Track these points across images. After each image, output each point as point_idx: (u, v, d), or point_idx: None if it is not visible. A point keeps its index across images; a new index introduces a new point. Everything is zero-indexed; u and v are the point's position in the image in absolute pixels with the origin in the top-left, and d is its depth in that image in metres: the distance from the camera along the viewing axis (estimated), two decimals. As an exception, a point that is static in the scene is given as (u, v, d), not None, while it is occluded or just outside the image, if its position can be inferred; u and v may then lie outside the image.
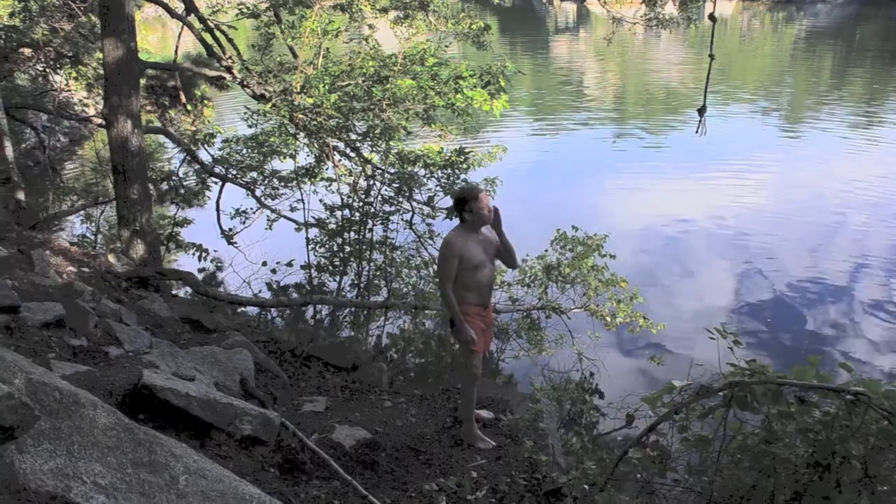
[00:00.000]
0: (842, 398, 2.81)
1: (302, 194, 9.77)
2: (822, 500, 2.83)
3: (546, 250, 8.71)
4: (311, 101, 8.97)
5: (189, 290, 8.73)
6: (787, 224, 12.48)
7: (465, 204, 4.77)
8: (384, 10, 11.47)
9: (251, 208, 10.29)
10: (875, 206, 13.13)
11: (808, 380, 2.94)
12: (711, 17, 6.19)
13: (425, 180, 9.24)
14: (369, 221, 9.05)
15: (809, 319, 9.25)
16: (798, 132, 19.37)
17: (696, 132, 5.91)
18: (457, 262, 4.68)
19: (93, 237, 10.56)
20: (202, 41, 10.33)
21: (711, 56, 6.10)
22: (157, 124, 11.39)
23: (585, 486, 3.67)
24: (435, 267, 9.13)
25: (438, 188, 9.21)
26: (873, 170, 15.10)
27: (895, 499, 2.76)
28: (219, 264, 9.90)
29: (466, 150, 9.46)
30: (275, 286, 9.06)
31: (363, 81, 9.16)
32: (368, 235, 9.07)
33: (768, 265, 10.86)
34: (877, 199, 13.45)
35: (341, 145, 10.12)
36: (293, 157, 10.09)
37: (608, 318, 8.32)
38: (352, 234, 9.07)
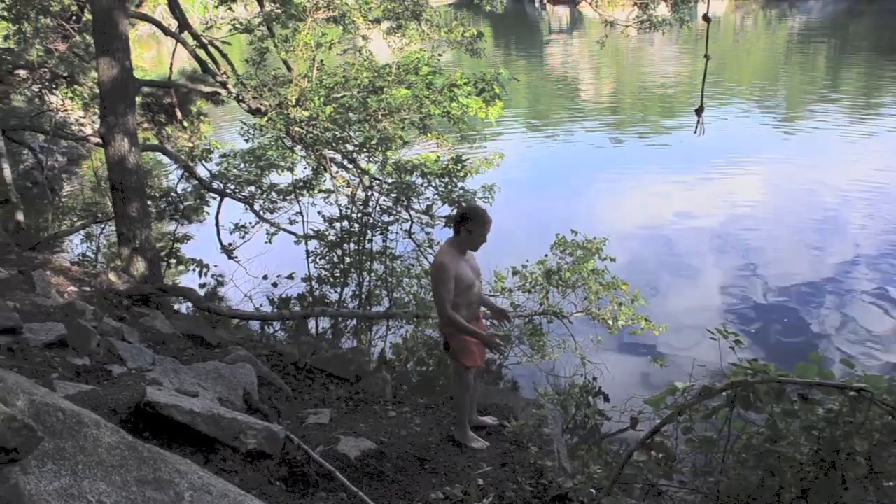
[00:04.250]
0: (845, 395, 2.81)
1: (300, 207, 9.79)
2: (828, 498, 2.83)
3: (546, 255, 8.71)
4: (306, 113, 8.99)
5: (191, 305, 8.73)
6: (784, 221, 12.49)
7: (469, 223, 4.79)
8: (377, 21, 11.49)
9: (250, 222, 10.31)
10: (872, 200, 13.13)
11: (810, 377, 2.94)
12: (706, 17, 6.22)
13: (423, 189, 9.24)
14: (368, 232, 9.05)
15: (809, 317, 9.25)
16: (794, 129, 19.39)
17: (695, 132, 5.93)
18: (453, 284, 4.70)
19: (93, 256, 10.57)
20: (196, 57, 10.36)
21: (707, 57, 6.12)
22: (155, 141, 11.41)
23: (591, 490, 3.67)
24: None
25: (436, 197, 9.22)
26: (869, 164, 15.11)
27: (901, 494, 2.76)
28: (220, 279, 9.91)
29: (463, 158, 9.47)
30: (276, 299, 9.06)
31: (358, 92, 9.18)
32: (368, 246, 9.08)
33: (766, 263, 10.87)
34: (873, 193, 13.45)
35: (338, 157, 10.13)
36: (291, 169, 10.11)
37: (610, 322, 8.30)
38: (351, 244, 9.08)
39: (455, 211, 8.78)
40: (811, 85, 25.86)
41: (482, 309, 5.16)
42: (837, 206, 13.04)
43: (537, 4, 63.20)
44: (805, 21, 45.14)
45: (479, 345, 5.02)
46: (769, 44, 39.21)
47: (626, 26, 12.24)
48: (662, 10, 11.95)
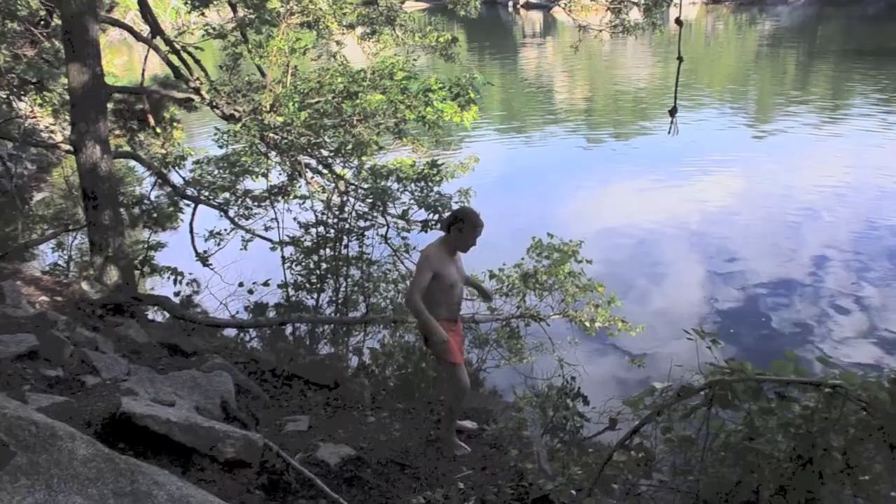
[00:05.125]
0: (820, 391, 2.85)
1: (276, 213, 9.71)
2: (805, 493, 2.86)
3: (522, 258, 8.73)
4: (281, 119, 8.94)
5: (166, 314, 8.63)
6: (756, 222, 12.66)
7: (461, 223, 4.88)
8: (351, 27, 11.47)
9: (225, 229, 10.19)
10: (841, 199, 13.37)
11: (786, 375, 2.97)
12: (678, 21, 6.31)
13: (399, 194, 9.22)
14: (344, 237, 9.01)
15: (783, 315, 9.37)
16: (764, 131, 19.66)
17: (669, 133, 6.03)
18: (430, 275, 4.74)
19: (65, 265, 10.41)
20: (169, 63, 10.25)
21: (680, 58, 6.19)
22: (127, 148, 11.26)
23: (572, 492, 3.68)
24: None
25: (412, 202, 9.20)
26: (838, 164, 15.38)
27: (877, 488, 2.80)
28: (195, 287, 9.79)
29: (439, 163, 9.47)
30: (252, 306, 8.98)
31: (333, 98, 9.15)
32: (344, 251, 9.03)
33: (740, 263, 11.00)
34: (843, 192, 13.69)
35: (313, 162, 10.07)
36: (265, 175, 10.03)
37: (587, 324, 8.34)
38: (327, 250, 9.03)
39: (432, 213, 8.80)
40: (781, 87, 26.26)
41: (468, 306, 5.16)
42: (808, 205, 13.25)
43: (511, 9, 63.54)
44: (774, 25, 45.83)
45: (456, 339, 5.03)
46: (740, 47, 39.75)
47: (600, 30, 12.32)
48: (635, 15, 12.06)
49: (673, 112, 6.04)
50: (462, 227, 4.89)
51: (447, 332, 4.91)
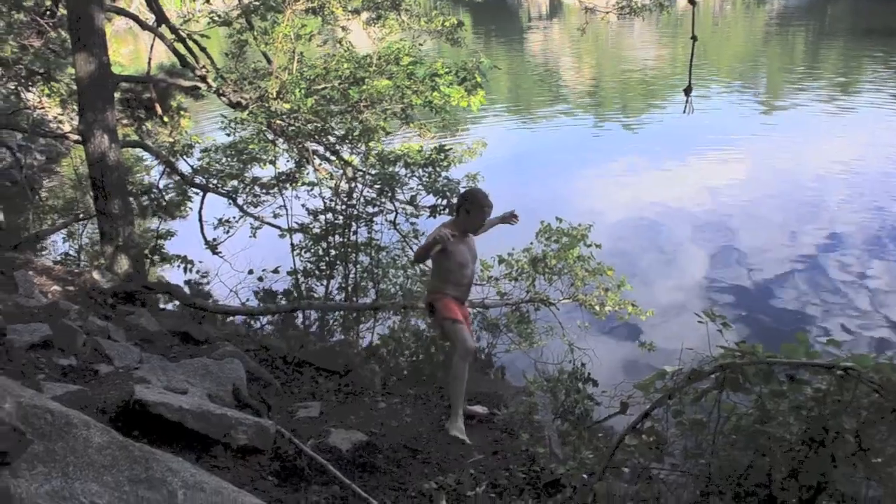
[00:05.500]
0: (832, 374, 2.84)
1: (284, 200, 9.73)
2: (818, 476, 2.86)
3: (531, 243, 8.73)
4: (287, 106, 8.93)
5: (176, 302, 8.67)
6: (766, 204, 12.58)
7: (468, 203, 4.94)
8: (356, 12, 11.42)
9: (234, 217, 10.22)
10: (851, 179, 13.27)
11: (797, 358, 2.97)
12: (691, 0, 6.31)
13: (407, 180, 9.23)
14: (353, 224, 9.03)
15: (794, 297, 9.33)
16: (774, 112, 19.51)
17: (684, 111, 6.07)
18: (439, 246, 4.76)
19: (76, 255, 10.47)
20: (175, 52, 10.25)
21: (694, 38, 6.19)
22: (135, 137, 11.28)
23: (583, 476, 3.69)
24: (423, 267, 9.14)
25: (420, 187, 9.20)
26: (849, 146, 15.25)
27: (889, 470, 2.79)
28: (205, 275, 9.83)
29: (446, 147, 9.46)
30: (262, 294, 9.01)
31: (339, 84, 9.13)
32: (353, 238, 9.05)
33: (751, 244, 10.94)
34: (853, 172, 13.59)
35: (321, 149, 10.07)
36: (273, 163, 10.04)
37: (597, 308, 8.35)
38: (336, 237, 9.05)
39: (440, 198, 8.80)
40: (791, 66, 26.04)
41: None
42: (818, 186, 13.17)
43: (516, -8, 63.08)
44: (783, 5, 45.38)
45: (459, 304, 5.05)
46: (748, 28, 39.42)
47: (607, 12, 12.24)
48: (642, -4, 11.96)
49: (688, 91, 6.07)
50: (470, 209, 4.91)
51: (454, 304, 4.95)
